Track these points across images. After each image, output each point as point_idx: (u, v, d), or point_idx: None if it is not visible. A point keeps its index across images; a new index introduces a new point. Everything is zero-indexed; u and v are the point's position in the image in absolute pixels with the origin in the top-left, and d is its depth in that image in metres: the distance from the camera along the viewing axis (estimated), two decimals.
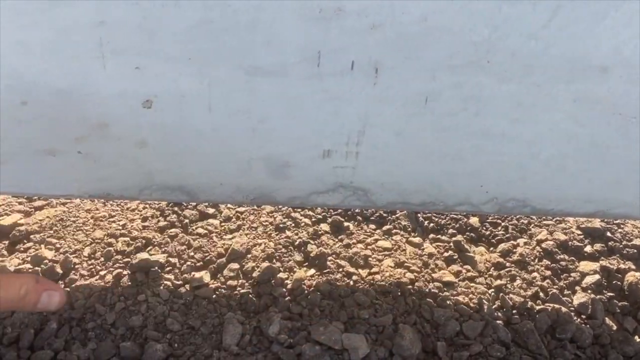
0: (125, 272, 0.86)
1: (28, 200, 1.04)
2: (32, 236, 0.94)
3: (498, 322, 0.82)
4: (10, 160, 0.72)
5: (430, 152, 0.72)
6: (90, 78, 0.64)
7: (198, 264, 0.90)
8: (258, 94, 0.66)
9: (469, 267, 0.95)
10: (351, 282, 0.87)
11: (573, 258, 0.99)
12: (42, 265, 0.86)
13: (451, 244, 1.01)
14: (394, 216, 1.07)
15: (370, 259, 0.94)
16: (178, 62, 0.63)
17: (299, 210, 1.07)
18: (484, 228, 1.06)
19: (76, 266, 0.88)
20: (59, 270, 0.86)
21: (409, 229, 1.04)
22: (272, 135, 0.70)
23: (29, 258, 0.88)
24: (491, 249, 1.02)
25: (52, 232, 0.95)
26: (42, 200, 1.04)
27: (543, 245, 1.01)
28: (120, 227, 0.97)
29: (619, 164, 0.73)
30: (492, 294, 0.89)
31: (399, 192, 0.77)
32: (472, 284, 0.90)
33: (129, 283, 0.84)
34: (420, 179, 0.76)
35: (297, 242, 0.97)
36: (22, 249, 0.91)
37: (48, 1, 0.58)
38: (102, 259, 0.89)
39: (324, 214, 1.07)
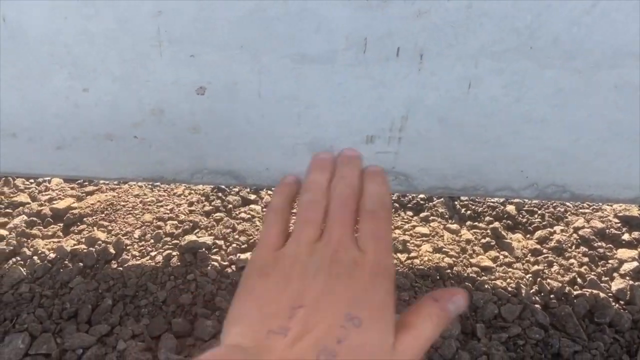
0: (174, 253, 0.90)
1: (79, 186, 1.09)
2: (85, 219, 0.99)
3: (536, 306, 0.84)
4: (70, 146, 0.76)
5: (471, 137, 0.74)
6: (148, 66, 0.68)
7: (243, 246, 0.93)
8: (305, 80, 0.68)
9: (506, 253, 0.97)
10: None
11: (611, 245, 1.00)
12: (96, 246, 0.90)
13: (488, 230, 1.02)
14: (431, 203, 1.09)
15: (408, 244, 0.96)
16: (231, 50, 0.66)
17: None
18: (521, 215, 1.07)
19: (128, 247, 0.92)
20: (112, 250, 0.90)
21: (447, 216, 1.06)
22: (318, 120, 0.73)
23: (84, 239, 0.93)
24: (528, 235, 1.03)
25: (103, 215, 1.00)
26: (92, 185, 1.09)
27: (580, 232, 1.02)
28: (168, 211, 1.01)
29: None
30: (530, 279, 0.90)
31: (440, 178, 0.79)
32: (509, 269, 0.92)
33: (178, 263, 0.88)
34: (461, 164, 0.77)
35: None
36: (76, 230, 0.96)
37: None
38: (152, 240, 0.94)
39: None
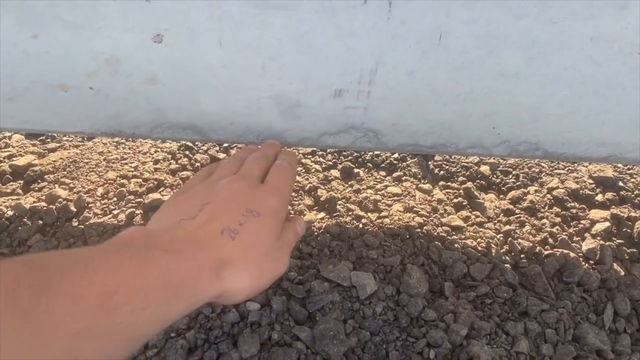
0: (138, 212, 0.87)
1: (41, 142, 1.05)
2: (46, 176, 0.95)
3: (506, 265, 0.83)
4: (22, 96, 0.72)
5: (442, 92, 0.72)
6: (100, 11, 0.64)
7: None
8: (268, 28, 0.65)
9: (478, 212, 0.95)
10: (360, 225, 0.88)
11: (584, 206, 0.99)
12: (57, 204, 0.87)
13: (461, 190, 1.01)
14: (404, 163, 1.07)
15: (379, 203, 0.95)
16: None
17: (310, 156, 1.07)
18: (495, 176, 1.06)
19: (90, 205, 0.89)
20: (72, 208, 0.87)
21: (419, 176, 1.04)
22: (283, 72, 0.70)
23: (44, 197, 0.90)
24: (501, 196, 1.02)
25: (65, 172, 0.96)
26: (55, 142, 1.05)
27: (554, 193, 1.01)
28: (133, 169, 0.98)
29: (634, 106, 0.72)
30: (501, 238, 0.89)
31: (410, 134, 0.77)
32: (480, 229, 0.91)
33: (142, 222, 0.85)
34: (431, 120, 0.75)
35: (307, 187, 0.98)
36: (36, 188, 0.93)
37: None
38: (115, 198, 0.91)
39: (334, 160, 1.07)
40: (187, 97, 0.72)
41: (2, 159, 0.99)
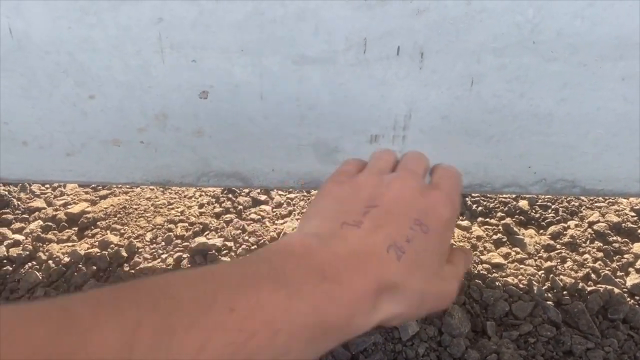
0: (184, 255, 0.91)
1: (93, 190, 1.11)
2: (98, 223, 1.00)
3: (548, 302, 0.83)
4: (79, 152, 0.78)
5: (475, 134, 0.73)
6: (151, 72, 0.69)
7: (253, 247, 0.94)
8: (307, 81, 0.68)
9: (518, 249, 0.95)
10: None
11: (627, 240, 0.98)
12: (109, 249, 0.92)
13: (500, 226, 1.01)
14: None
15: None
16: (231, 54, 0.66)
17: None
18: (534, 211, 1.06)
19: (139, 250, 0.93)
20: (124, 253, 0.92)
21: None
22: (321, 121, 0.73)
23: (97, 243, 0.94)
24: (541, 231, 1.02)
25: (116, 218, 1.01)
26: (106, 189, 1.10)
27: (595, 227, 1.00)
28: (179, 214, 1.02)
29: None
30: (542, 275, 0.89)
31: None
32: (521, 266, 0.91)
33: (189, 265, 0.89)
34: (466, 161, 0.77)
35: None
36: (89, 234, 0.98)
37: (112, 1, 0.62)
38: (163, 243, 0.95)
39: None
40: (231, 147, 0.76)
41: (58, 207, 1.05)
